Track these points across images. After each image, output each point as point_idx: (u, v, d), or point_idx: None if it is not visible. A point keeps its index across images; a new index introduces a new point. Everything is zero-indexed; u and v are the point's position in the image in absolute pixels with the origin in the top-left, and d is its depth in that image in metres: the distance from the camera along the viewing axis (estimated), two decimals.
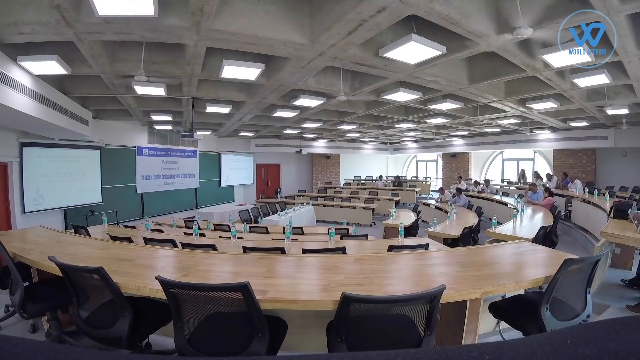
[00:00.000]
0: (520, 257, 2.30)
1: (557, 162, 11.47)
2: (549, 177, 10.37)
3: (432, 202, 10.00)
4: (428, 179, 15.75)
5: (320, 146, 15.06)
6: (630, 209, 3.98)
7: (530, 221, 5.58)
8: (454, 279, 1.83)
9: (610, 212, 4.77)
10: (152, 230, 4.88)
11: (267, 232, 5.55)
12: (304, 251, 2.83)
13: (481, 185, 10.75)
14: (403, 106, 7.68)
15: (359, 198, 11.33)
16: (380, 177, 15.32)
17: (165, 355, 2.21)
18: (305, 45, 3.54)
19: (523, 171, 12.35)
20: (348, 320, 1.37)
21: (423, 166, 18.44)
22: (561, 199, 8.28)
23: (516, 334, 2.02)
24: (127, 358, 0.69)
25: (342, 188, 14.10)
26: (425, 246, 3.19)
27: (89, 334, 1.77)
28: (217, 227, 5.91)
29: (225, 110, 7.10)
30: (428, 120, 8.79)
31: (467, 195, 9.42)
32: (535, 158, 13.41)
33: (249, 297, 1.35)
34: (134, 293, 1.70)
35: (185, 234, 4.92)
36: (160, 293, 1.50)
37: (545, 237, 4.37)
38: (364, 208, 10.08)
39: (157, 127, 9.82)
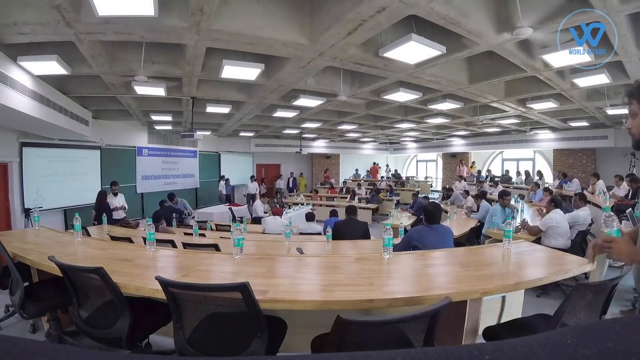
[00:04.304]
0: (520, 257, 2.29)
1: (557, 162, 11.47)
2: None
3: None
4: (429, 179, 15.74)
5: (320, 146, 15.06)
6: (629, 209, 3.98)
7: (532, 221, 5.55)
8: (454, 279, 1.83)
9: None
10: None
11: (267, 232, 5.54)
12: None
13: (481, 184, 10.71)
14: (403, 106, 7.69)
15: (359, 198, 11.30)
16: (382, 177, 15.23)
17: (165, 355, 2.21)
18: (305, 45, 3.53)
19: (528, 172, 12.30)
20: (343, 341, 1.20)
21: (423, 166, 18.46)
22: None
23: None
24: (127, 358, 0.69)
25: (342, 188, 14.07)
26: None
27: (89, 334, 1.77)
28: (217, 227, 5.90)
29: (225, 110, 7.10)
30: (428, 120, 8.79)
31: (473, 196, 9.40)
32: (535, 158, 13.41)
33: (248, 297, 1.35)
34: (134, 293, 1.70)
35: (185, 234, 4.91)
36: (160, 293, 1.49)
37: None
38: (364, 208, 10.07)
39: (157, 127, 9.82)
